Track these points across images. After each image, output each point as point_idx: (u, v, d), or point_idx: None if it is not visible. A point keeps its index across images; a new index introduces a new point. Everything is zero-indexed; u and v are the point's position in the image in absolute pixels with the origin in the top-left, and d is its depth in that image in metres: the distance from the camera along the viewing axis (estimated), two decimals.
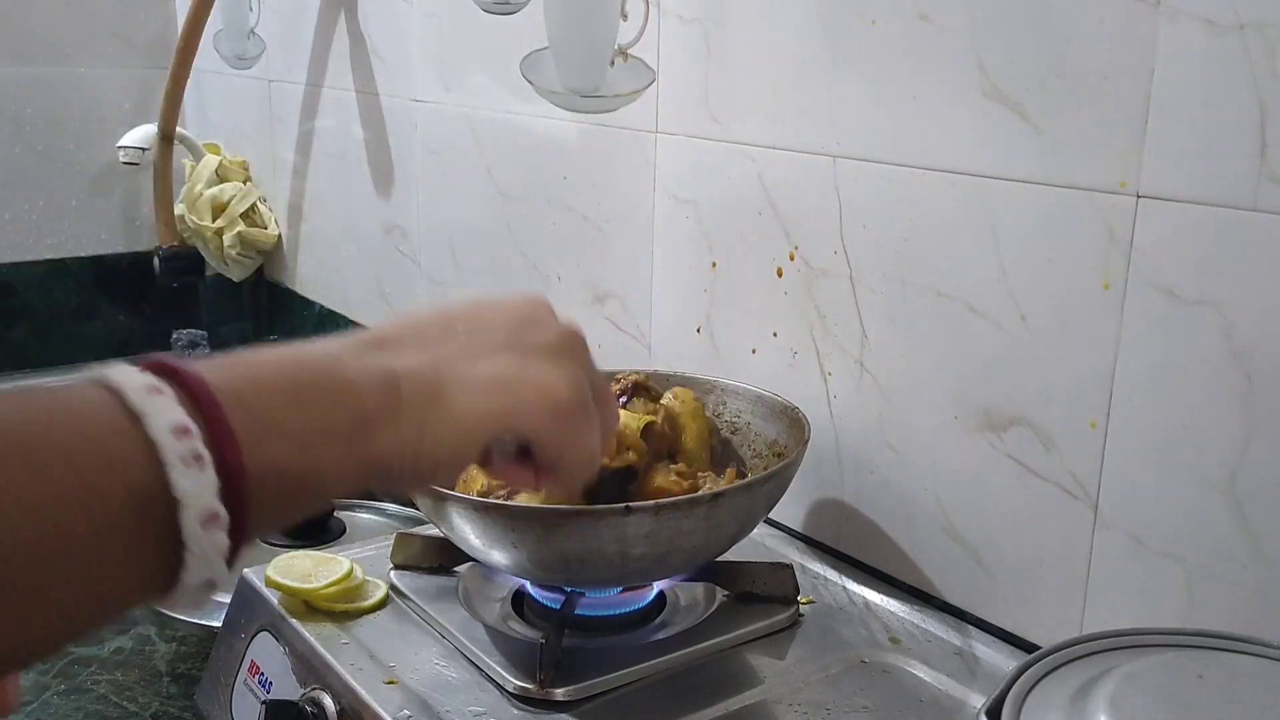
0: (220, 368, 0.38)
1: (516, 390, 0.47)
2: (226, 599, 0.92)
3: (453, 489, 0.55)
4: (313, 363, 0.43)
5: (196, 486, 0.34)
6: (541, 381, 0.48)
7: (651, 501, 0.73)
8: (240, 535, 0.36)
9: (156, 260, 1.75)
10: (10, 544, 0.31)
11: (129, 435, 0.34)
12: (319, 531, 1.18)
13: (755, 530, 0.82)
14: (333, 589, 0.84)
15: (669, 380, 0.96)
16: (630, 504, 0.71)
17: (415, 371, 0.45)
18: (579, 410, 0.49)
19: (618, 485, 0.82)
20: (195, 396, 0.36)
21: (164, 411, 0.35)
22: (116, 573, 0.35)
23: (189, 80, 1.72)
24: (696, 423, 0.89)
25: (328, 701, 0.76)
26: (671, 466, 0.84)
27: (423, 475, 0.45)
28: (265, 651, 0.84)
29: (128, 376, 0.35)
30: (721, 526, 0.75)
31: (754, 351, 0.99)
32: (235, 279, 1.83)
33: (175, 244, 1.77)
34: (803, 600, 0.84)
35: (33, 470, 0.32)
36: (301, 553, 0.88)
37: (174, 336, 1.93)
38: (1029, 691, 0.54)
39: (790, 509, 0.97)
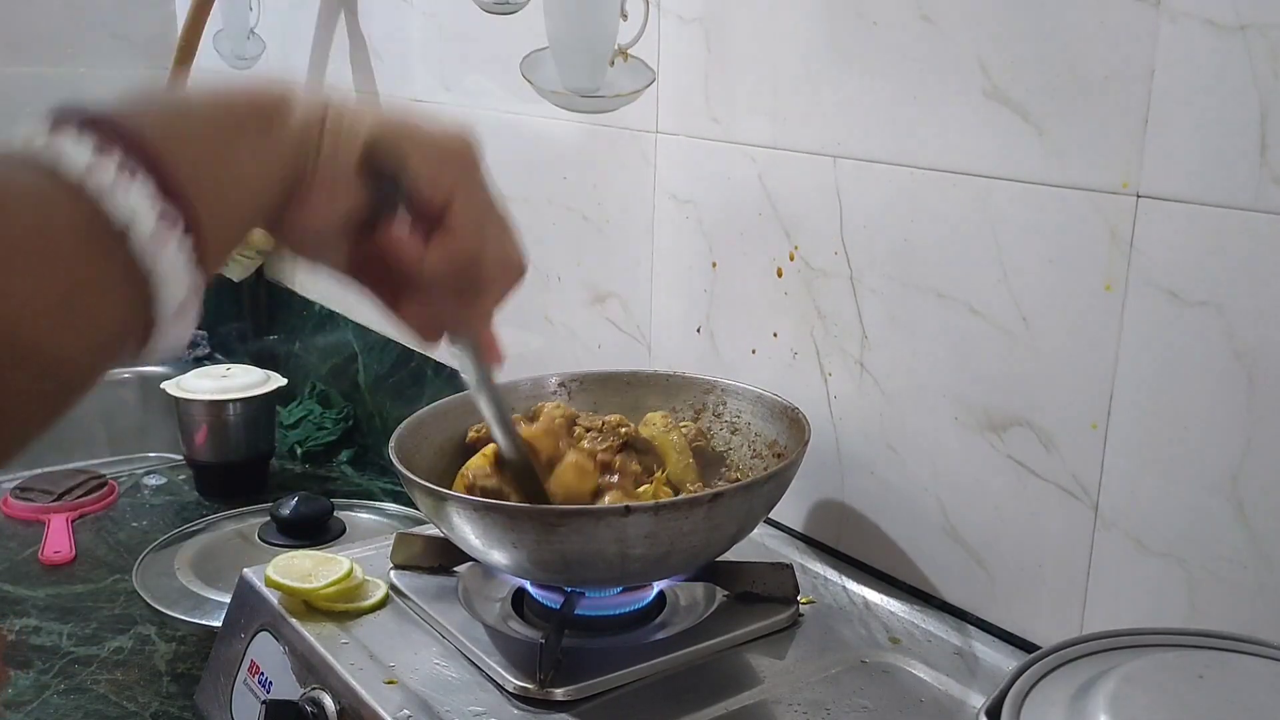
0: (120, 104, 0.40)
1: (407, 115, 0.50)
2: (228, 601, 0.92)
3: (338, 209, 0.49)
4: (210, 85, 0.45)
5: (132, 202, 0.36)
6: (430, 120, 0.51)
7: (651, 502, 0.73)
8: (198, 241, 0.38)
9: None
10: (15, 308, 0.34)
11: (63, 185, 0.36)
12: (319, 531, 1.18)
13: (755, 530, 0.82)
14: (333, 589, 0.84)
15: (669, 381, 0.96)
16: (630, 504, 0.71)
17: (311, 91, 0.48)
18: (470, 151, 0.51)
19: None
20: (107, 133, 0.37)
21: (79, 151, 0.36)
22: (97, 308, 0.37)
23: (189, 80, 1.72)
24: (675, 452, 0.88)
25: (328, 701, 0.76)
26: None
27: (339, 160, 0.47)
28: (265, 651, 0.84)
29: (33, 137, 0.37)
30: (721, 527, 0.75)
31: (754, 351, 0.99)
32: (235, 279, 1.83)
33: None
34: (803, 600, 0.84)
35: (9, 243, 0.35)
36: (301, 553, 0.88)
37: None
38: (1029, 691, 0.54)
39: (790, 509, 0.97)
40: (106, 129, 0.37)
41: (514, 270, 0.55)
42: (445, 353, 1.41)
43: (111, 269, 0.37)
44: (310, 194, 0.47)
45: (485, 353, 0.59)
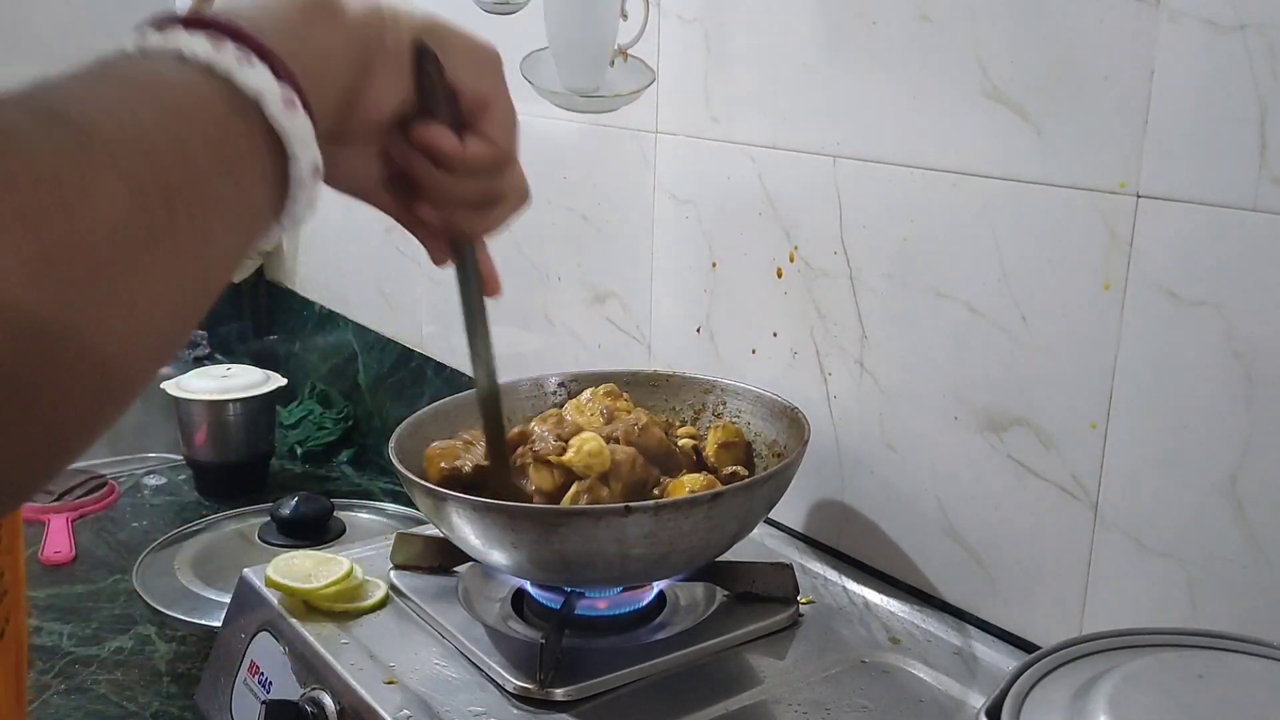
0: (208, 6, 0.43)
1: (449, 26, 0.54)
2: (228, 601, 0.92)
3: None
4: None
5: (259, 78, 0.40)
6: (469, 32, 0.56)
7: (651, 502, 0.73)
8: (310, 112, 0.42)
9: None
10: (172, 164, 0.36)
11: (200, 65, 0.39)
12: (319, 531, 1.18)
13: (755, 530, 0.82)
14: (333, 589, 0.84)
15: (669, 381, 0.96)
16: (630, 504, 0.71)
17: None
18: (499, 58, 0.56)
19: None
20: (210, 26, 0.41)
21: (197, 44, 0.40)
22: (246, 166, 0.40)
23: None
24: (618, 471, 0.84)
25: (328, 701, 0.76)
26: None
27: (390, 52, 0.50)
28: (265, 651, 0.84)
29: (147, 37, 0.40)
30: (721, 527, 0.75)
31: (754, 351, 0.99)
32: (235, 279, 1.83)
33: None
34: (803, 600, 0.84)
35: (159, 109, 0.37)
36: (301, 553, 0.88)
37: None
38: (1029, 691, 0.54)
39: (790, 509, 0.97)
40: (210, 25, 0.40)
41: (522, 193, 0.58)
42: (441, 350, 1.41)
43: (256, 132, 0.40)
44: (373, 80, 0.50)
45: (486, 277, 0.61)
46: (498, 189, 0.56)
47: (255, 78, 0.40)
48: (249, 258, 0.42)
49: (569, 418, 0.88)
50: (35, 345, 0.31)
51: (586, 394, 0.90)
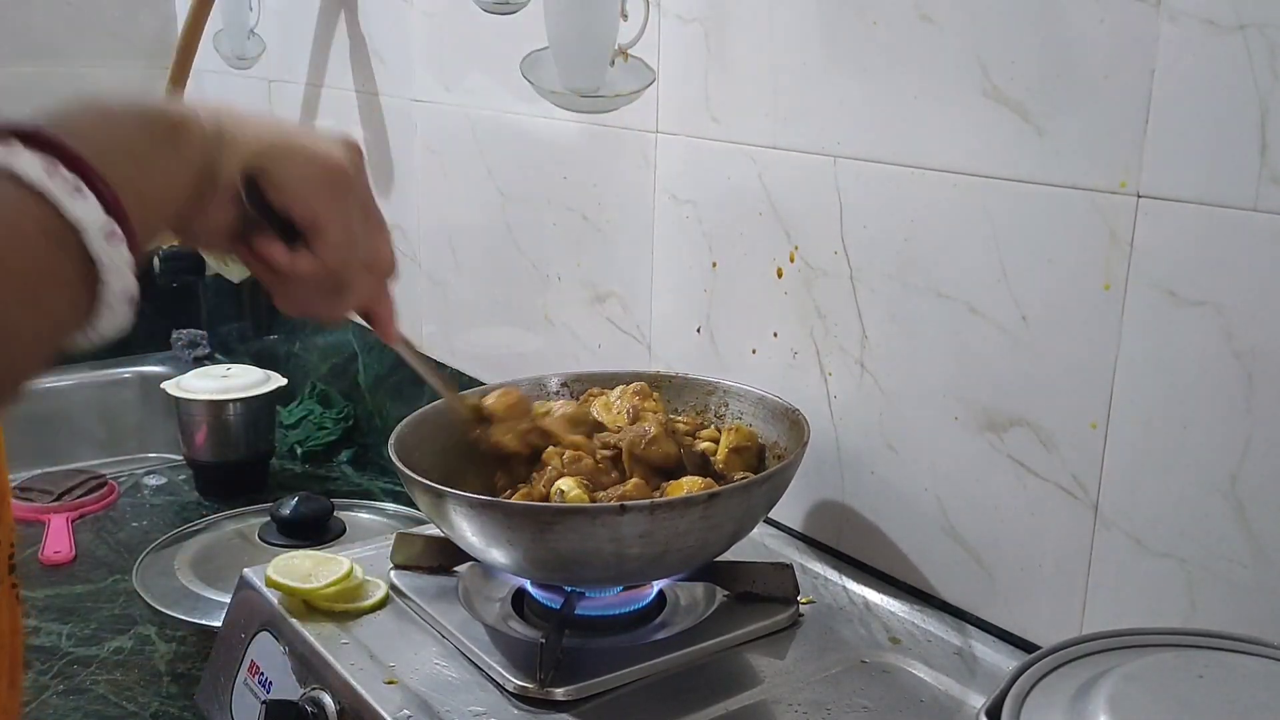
0: (59, 118, 0.46)
1: (289, 138, 0.56)
2: (228, 601, 0.92)
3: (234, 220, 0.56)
4: (125, 100, 0.51)
5: (85, 210, 0.42)
6: (312, 141, 0.57)
7: (647, 501, 0.73)
8: (134, 247, 0.44)
9: (156, 260, 1.75)
10: None
11: (24, 192, 0.42)
12: (319, 531, 1.18)
13: (755, 530, 0.82)
14: (333, 589, 0.84)
15: (671, 382, 0.96)
16: (625, 503, 0.71)
17: (203, 111, 0.54)
18: (342, 175, 0.57)
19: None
20: (49, 147, 0.43)
21: (32, 166, 0.42)
22: (51, 295, 0.42)
23: (189, 80, 1.72)
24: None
25: (328, 701, 0.76)
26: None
27: (223, 181, 0.54)
28: (265, 651, 0.84)
29: (4, 151, 0.42)
30: (718, 527, 0.75)
31: (754, 351, 0.99)
32: (235, 279, 1.83)
33: (175, 244, 1.77)
34: (803, 600, 0.84)
35: None
36: (301, 553, 0.88)
37: (174, 336, 1.93)
38: (1029, 691, 0.54)
39: (790, 509, 0.97)
40: (50, 146, 0.43)
41: (382, 270, 0.63)
42: (441, 351, 1.40)
43: (72, 260, 0.42)
44: (205, 203, 0.54)
45: (381, 330, 0.67)
46: (339, 284, 0.60)
47: (81, 209, 0.42)
48: (46, 367, 0.44)
49: (594, 415, 0.88)
50: None
51: (616, 391, 0.91)
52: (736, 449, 0.86)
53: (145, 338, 1.90)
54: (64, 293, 0.43)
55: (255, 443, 1.46)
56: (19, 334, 0.41)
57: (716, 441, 0.88)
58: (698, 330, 1.04)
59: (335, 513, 1.21)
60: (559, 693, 0.72)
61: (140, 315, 0.46)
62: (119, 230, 0.43)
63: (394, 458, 0.80)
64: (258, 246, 0.58)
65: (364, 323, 0.67)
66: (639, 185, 1.08)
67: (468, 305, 1.36)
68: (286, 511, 1.17)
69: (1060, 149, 0.73)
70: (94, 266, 0.43)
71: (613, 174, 1.11)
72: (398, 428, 0.85)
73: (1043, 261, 0.75)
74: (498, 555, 0.75)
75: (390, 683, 0.75)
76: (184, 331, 1.93)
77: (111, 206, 0.43)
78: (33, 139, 0.42)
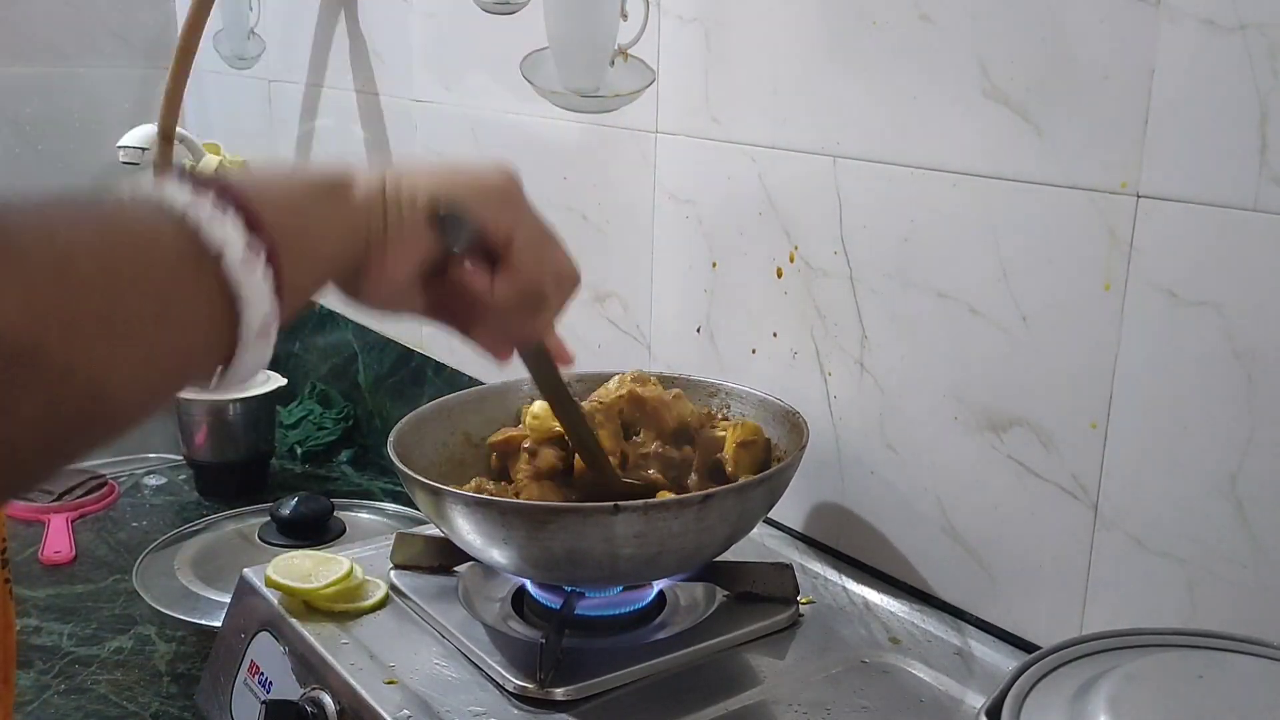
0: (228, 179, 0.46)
1: (458, 169, 0.57)
2: (228, 601, 0.92)
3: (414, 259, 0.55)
4: (291, 168, 0.53)
5: (225, 231, 0.42)
6: (476, 166, 0.58)
7: (640, 502, 0.73)
8: (279, 274, 0.43)
9: None
10: (115, 300, 0.38)
11: (173, 213, 0.42)
12: (319, 531, 1.18)
13: (755, 530, 0.82)
14: (333, 589, 0.84)
15: (673, 383, 0.96)
16: (619, 503, 0.71)
17: (370, 168, 0.55)
18: (517, 190, 0.59)
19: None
20: (203, 185, 0.43)
21: (180, 193, 0.42)
22: (187, 314, 0.41)
23: (189, 80, 1.72)
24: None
25: (328, 701, 0.76)
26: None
27: (406, 223, 0.54)
28: (265, 651, 0.84)
29: (143, 183, 0.43)
30: (713, 529, 0.75)
31: (754, 351, 0.99)
32: None
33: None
34: (803, 600, 0.84)
35: (106, 245, 0.39)
36: (301, 553, 0.88)
37: None
38: (1029, 691, 0.54)
39: (790, 509, 0.97)
40: (201, 183, 0.43)
41: (569, 282, 0.62)
42: (441, 351, 1.40)
43: (205, 284, 0.42)
44: (384, 254, 0.53)
45: (557, 356, 0.67)
46: (541, 296, 0.60)
47: (221, 230, 0.42)
48: (175, 397, 0.44)
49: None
50: None
51: (614, 381, 0.91)
52: (744, 443, 0.87)
53: None
54: (200, 313, 0.42)
55: (255, 443, 1.46)
56: (141, 348, 0.40)
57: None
58: (698, 330, 1.04)
59: (335, 513, 1.21)
60: (559, 693, 0.72)
61: None
62: (262, 256, 0.43)
63: (393, 458, 0.80)
64: (459, 279, 0.57)
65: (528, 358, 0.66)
66: (639, 185, 1.08)
67: None
68: (286, 511, 1.17)
69: (1060, 149, 0.73)
70: (233, 296, 0.42)
71: (613, 174, 1.11)
72: (397, 427, 0.85)
73: (1043, 261, 0.75)
74: (496, 555, 0.75)
75: (390, 683, 0.75)
76: None
77: (257, 232, 0.43)
78: (185, 177, 0.43)
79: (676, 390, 0.92)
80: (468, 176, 0.57)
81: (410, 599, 0.85)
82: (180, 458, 1.48)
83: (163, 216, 0.41)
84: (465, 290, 0.57)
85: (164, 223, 0.41)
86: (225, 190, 0.43)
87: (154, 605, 1.07)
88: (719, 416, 0.93)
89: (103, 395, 0.38)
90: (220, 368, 0.44)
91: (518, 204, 0.59)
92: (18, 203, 0.37)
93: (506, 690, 0.73)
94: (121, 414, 0.40)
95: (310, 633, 0.81)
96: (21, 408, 0.35)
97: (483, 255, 0.58)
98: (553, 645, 0.74)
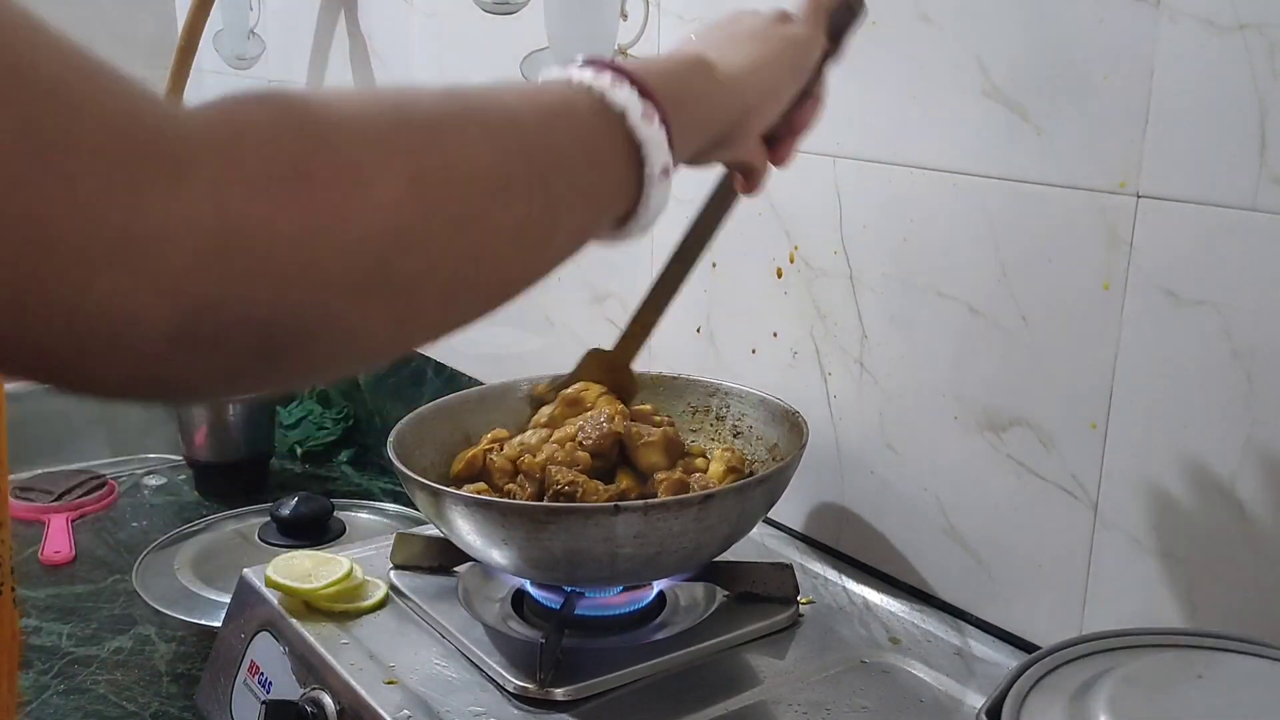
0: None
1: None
2: (228, 601, 0.92)
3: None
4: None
5: (625, 96, 0.49)
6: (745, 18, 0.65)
7: (640, 501, 0.73)
8: (670, 133, 0.50)
9: None
10: (544, 157, 0.45)
11: (582, 87, 0.49)
12: (319, 531, 1.18)
13: (755, 530, 0.82)
14: (333, 589, 0.84)
15: (673, 383, 0.96)
16: (619, 503, 0.71)
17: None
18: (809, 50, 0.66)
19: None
20: (600, 66, 0.50)
21: (583, 73, 0.49)
22: (604, 169, 0.49)
23: (189, 80, 1.72)
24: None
25: (328, 701, 0.76)
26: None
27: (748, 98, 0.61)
28: (265, 651, 0.84)
29: (558, 71, 0.51)
30: (713, 529, 0.75)
31: (754, 352, 0.99)
32: None
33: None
34: (803, 600, 0.84)
35: (537, 107, 0.47)
36: (301, 553, 0.88)
37: None
38: (1029, 691, 0.54)
39: (790, 509, 0.97)
40: (594, 63, 0.50)
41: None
42: (441, 350, 1.40)
43: (616, 136, 0.49)
44: (766, 103, 0.63)
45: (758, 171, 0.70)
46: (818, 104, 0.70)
47: (622, 96, 0.49)
48: (578, 252, 0.51)
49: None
50: (401, 246, 0.38)
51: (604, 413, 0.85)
52: (731, 468, 0.85)
53: None
54: (615, 162, 0.49)
55: (255, 443, 1.45)
56: (578, 192, 0.47)
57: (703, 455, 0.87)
58: (698, 330, 1.04)
59: (335, 513, 1.21)
60: (559, 693, 0.72)
61: None
62: (656, 114, 0.49)
63: (393, 458, 0.80)
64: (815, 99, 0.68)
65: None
66: None
67: None
68: (286, 511, 1.17)
69: (1060, 149, 0.73)
70: (636, 147, 0.49)
71: None
72: (397, 427, 0.85)
73: (1042, 261, 0.75)
74: (495, 555, 0.75)
75: (390, 683, 0.75)
76: None
77: (648, 96, 0.49)
78: (585, 62, 0.50)
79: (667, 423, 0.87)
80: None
81: (410, 599, 0.85)
82: (180, 458, 1.48)
83: (572, 90, 0.48)
84: (803, 120, 0.68)
85: (573, 95, 0.48)
86: (615, 67, 0.50)
87: (154, 605, 1.07)
88: (715, 416, 0.93)
89: (556, 220, 0.46)
90: (627, 208, 0.51)
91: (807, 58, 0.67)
92: (466, 86, 0.45)
93: (506, 690, 0.73)
94: (552, 257, 0.48)
95: (310, 633, 0.81)
96: (505, 221, 0.43)
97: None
98: (553, 645, 0.74)
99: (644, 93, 0.50)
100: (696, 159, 0.61)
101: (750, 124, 0.62)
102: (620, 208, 0.51)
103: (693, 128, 0.56)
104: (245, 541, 1.20)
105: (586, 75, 0.49)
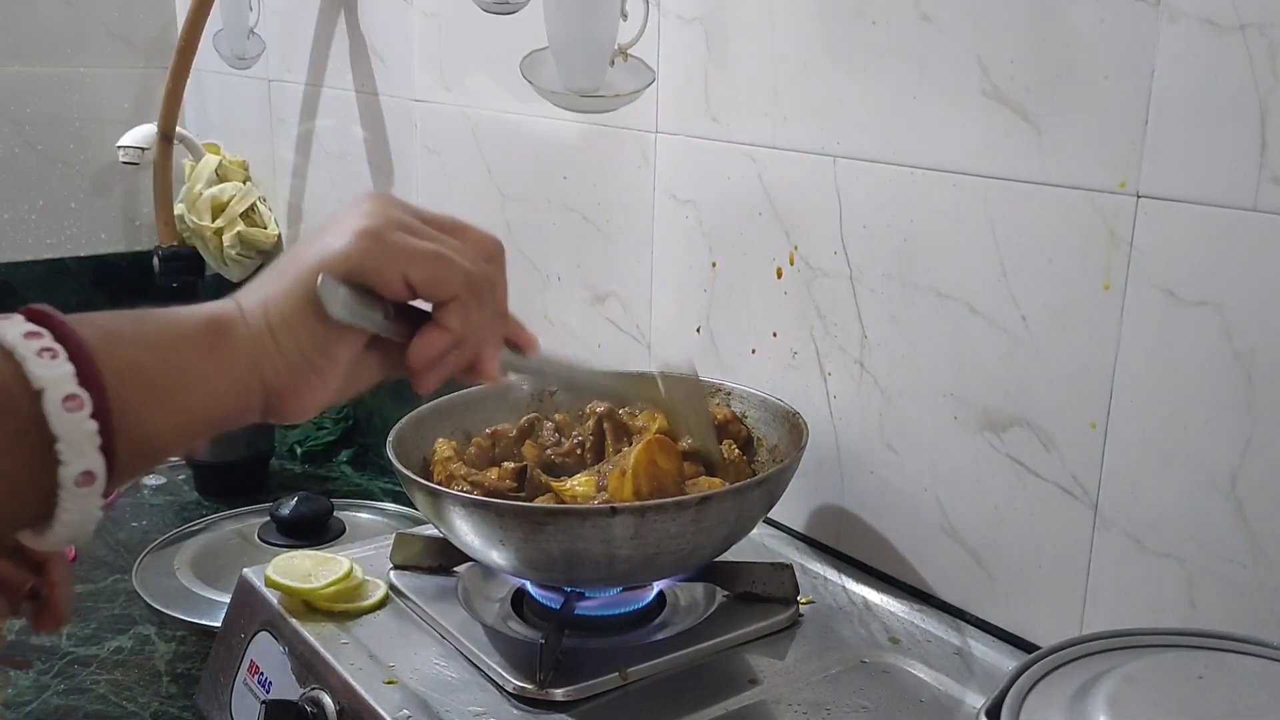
0: (76, 320, 0.43)
1: (328, 235, 0.51)
2: (228, 601, 0.92)
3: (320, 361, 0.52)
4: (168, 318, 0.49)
5: (51, 373, 0.39)
6: (345, 221, 0.51)
7: (637, 503, 0.73)
8: (106, 420, 0.40)
9: (156, 260, 1.75)
10: None
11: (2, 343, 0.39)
12: (319, 531, 1.18)
13: (755, 530, 0.82)
14: (333, 589, 0.84)
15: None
16: (615, 505, 0.71)
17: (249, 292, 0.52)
18: (390, 226, 0.51)
19: None
20: (42, 320, 0.41)
21: (14, 327, 0.40)
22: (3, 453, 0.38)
23: (189, 80, 1.72)
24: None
25: (327, 701, 0.76)
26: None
27: (275, 339, 0.50)
28: (265, 651, 0.84)
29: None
30: (710, 531, 0.75)
31: (754, 351, 0.99)
32: (235, 279, 1.83)
33: (175, 244, 1.77)
34: (803, 600, 0.84)
35: None
36: (301, 553, 0.88)
37: None
38: (1029, 691, 0.54)
39: (790, 509, 0.97)
40: (43, 318, 0.41)
41: (492, 247, 0.56)
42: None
43: (23, 427, 0.39)
44: (296, 381, 0.51)
45: (520, 342, 0.61)
46: (482, 287, 0.55)
47: (46, 370, 0.39)
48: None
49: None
50: None
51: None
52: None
53: None
54: (17, 451, 0.39)
55: (255, 443, 1.45)
56: None
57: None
58: (698, 330, 1.04)
59: (335, 513, 1.21)
60: (559, 693, 0.72)
61: None
62: (88, 402, 0.39)
63: (392, 458, 0.80)
64: (412, 362, 0.54)
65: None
66: (639, 185, 1.08)
67: None
68: (286, 511, 1.17)
69: (1060, 149, 0.73)
70: (51, 443, 0.39)
71: (612, 174, 1.11)
72: (396, 427, 0.85)
73: (1042, 261, 0.75)
74: (494, 556, 0.75)
75: (390, 683, 0.75)
76: None
77: (90, 381, 0.39)
78: (31, 315, 0.41)
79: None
80: (344, 255, 0.51)
81: (410, 599, 0.85)
82: (179, 458, 1.48)
83: None
84: (426, 364, 0.55)
85: None
86: (63, 331, 0.40)
87: (154, 605, 1.07)
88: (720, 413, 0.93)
89: None
90: (34, 514, 0.41)
91: (390, 233, 0.51)
92: None
93: (506, 690, 0.73)
94: None
95: (310, 633, 0.81)
96: None
97: (411, 315, 0.53)
98: (552, 645, 0.74)
99: (86, 372, 0.39)
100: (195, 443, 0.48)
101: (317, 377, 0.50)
102: (29, 511, 0.40)
103: (171, 412, 0.44)
104: (245, 541, 1.20)
105: (14, 333, 0.39)
